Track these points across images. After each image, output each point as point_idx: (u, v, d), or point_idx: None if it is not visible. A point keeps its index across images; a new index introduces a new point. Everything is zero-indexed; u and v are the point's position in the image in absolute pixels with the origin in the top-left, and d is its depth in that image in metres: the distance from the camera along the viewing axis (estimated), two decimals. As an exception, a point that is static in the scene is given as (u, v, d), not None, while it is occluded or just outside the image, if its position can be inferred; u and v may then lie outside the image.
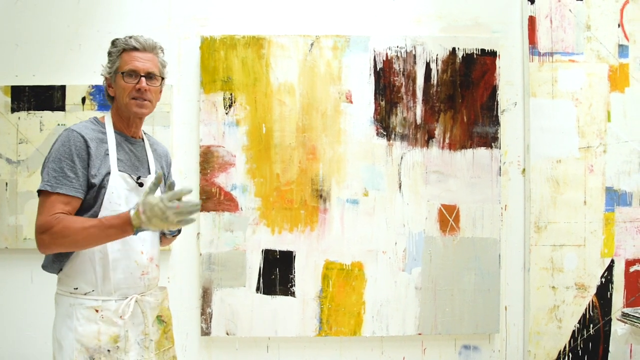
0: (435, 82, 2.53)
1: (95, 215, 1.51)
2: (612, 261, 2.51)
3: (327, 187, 2.49)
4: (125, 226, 1.41)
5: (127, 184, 1.57)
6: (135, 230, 1.42)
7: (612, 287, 2.50)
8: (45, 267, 1.58)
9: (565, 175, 2.52)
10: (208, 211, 2.46)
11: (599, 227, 2.51)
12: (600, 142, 2.53)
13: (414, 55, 2.52)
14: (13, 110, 2.48)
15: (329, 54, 2.51)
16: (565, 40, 2.54)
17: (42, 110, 2.47)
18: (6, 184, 2.47)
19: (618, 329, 2.16)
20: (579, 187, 2.52)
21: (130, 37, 1.60)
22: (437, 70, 2.53)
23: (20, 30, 2.52)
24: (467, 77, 2.53)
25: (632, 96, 2.53)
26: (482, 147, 2.52)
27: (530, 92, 2.53)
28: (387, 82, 2.51)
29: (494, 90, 2.53)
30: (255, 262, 2.47)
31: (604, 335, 2.50)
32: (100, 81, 2.44)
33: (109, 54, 1.62)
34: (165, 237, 1.78)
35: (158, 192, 1.59)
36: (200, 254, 2.46)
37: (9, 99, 2.48)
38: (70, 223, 1.43)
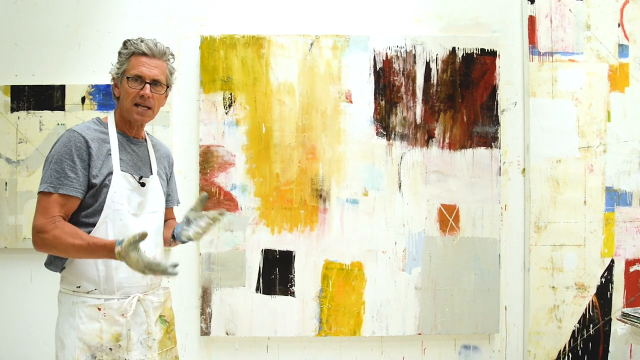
0: (435, 81, 2.52)
1: (95, 214, 1.52)
2: (612, 261, 2.51)
3: (327, 187, 2.49)
4: (109, 254, 1.44)
5: (130, 183, 1.58)
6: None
7: (612, 287, 2.50)
8: (48, 265, 1.59)
9: (565, 175, 2.52)
10: (208, 211, 2.45)
11: (599, 227, 2.51)
12: (600, 142, 2.52)
13: (414, 55, 2.52)
14: (13, 109, 2.48)
15: (328, 54, 2.50)
16: (565, 40, 2.54)
17: (42, 109, 2.47)
18: (6, 183, 2.47)
19: (618, 329, 2.16)
20: (579, 187, 2.51)
21: (142, 41, 1.59)
22: (437, 70, 2.53)
23: (20, 30, 2.52)
24: (467, 77, 2.52)
25: (632, 96, 2.53)
26: (482, 147, 2.52)
27: (530, 92, 2.53)
28: (387, 82, 2.51)
29: (493, 90, 2.53)
30: (255, 262, 2.47)
31: (604, 335, 2.50)
32: (100, 81, 2.48)
33: (119, 54, 1.62)
34: (175, 242, 1.75)
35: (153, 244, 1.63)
36: (200, 254, 2.46)
37: (8, 99, 2.47)
38: (63, 234, 1.46)
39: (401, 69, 2.52)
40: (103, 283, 1.53)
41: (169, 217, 1.85)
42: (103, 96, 2.48)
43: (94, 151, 1.53)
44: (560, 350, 2.50)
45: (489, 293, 2.50)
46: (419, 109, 2.52)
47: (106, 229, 1.53)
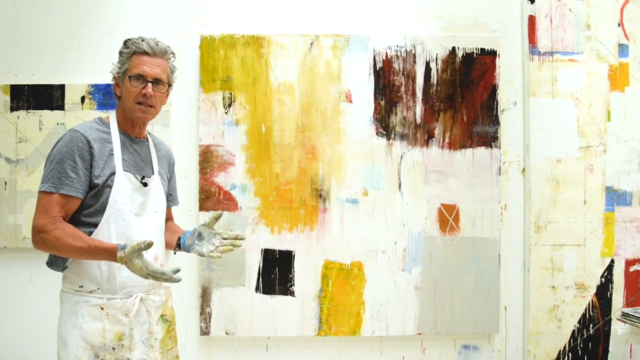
0: (435, 81, 2.52)
1: (96, 214, 1.53)
2: (612, 261, 2.51)
3: (327, 187, 2.49)
4: (111, 258, 1.47)
5: (132, 183, 1.58)
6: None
7: (612, 287, 2.50)
8: (49, 264, 1.60)
9: (565, 175, 2.51)
10: (207, 210, 2.45)
11: (599, 227, 2.51)
12: (600, 142, 2.52)
13: (414, 55, 2.52)
14: (12, 109, 2.47)
15: (328, 54, 2.50)
16: (565, 40, 2.53)
17: (42, 109, 2.47)
18: (5, 183, 2.46)
19: (618, 328, 2.15)
20: (579, 186, 2.51)
21: (143, 40, 1.59)
22: (437, 70, 2.53)
23: (20, 30, 2.52)
24: (467, 77, 2.52)
25: (632, 95, 2.53)
26: (482, 147, 2.52)
27: (530, 92, 2.53)
28: (386, 82, 2.51)
29: (493, 89, 2.53)
30: (254, 262, 2.46)
31: (603, 335, 2.50)
32: (99, 80, 2.48)
33: (120, 53, 1.62)
34: (180, 249, 1.75)
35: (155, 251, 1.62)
36: (200, 254, 2.46)
37: (8, 98, 2.47)
38: (64, 236, 1.46)
39: (401, 69, 2.52)
40: (105, 283, 1.54)
41: (168, 217, 1.85)
42: (103, 96, 2.47)
43: (96, 151, 1.53)
44: (560, 350, 2.50)
45: (488, 293, 2.50)
46: (419, 108, 2.52)
47: (109, 229, 1.53)
